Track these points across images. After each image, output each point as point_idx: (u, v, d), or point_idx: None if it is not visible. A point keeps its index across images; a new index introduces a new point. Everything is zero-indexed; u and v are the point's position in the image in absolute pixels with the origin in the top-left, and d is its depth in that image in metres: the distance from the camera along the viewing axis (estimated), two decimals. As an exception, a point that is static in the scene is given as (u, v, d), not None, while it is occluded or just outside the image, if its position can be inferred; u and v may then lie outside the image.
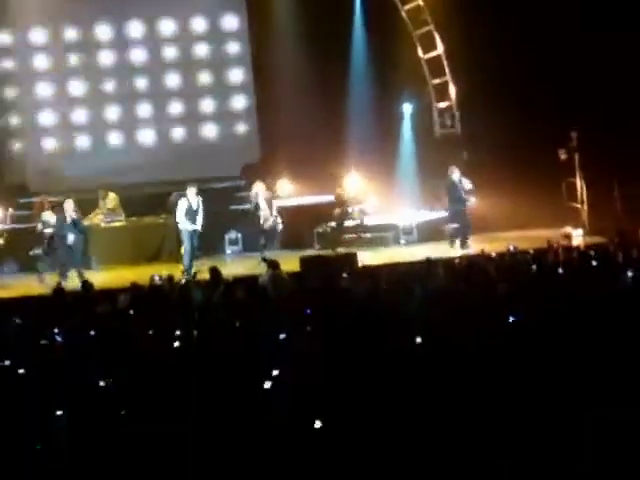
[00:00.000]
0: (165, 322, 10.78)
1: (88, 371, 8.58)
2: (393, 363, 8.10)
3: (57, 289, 14.01)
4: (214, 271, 14.31)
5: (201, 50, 23.15)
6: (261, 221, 19.18)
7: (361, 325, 9.57)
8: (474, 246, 18.64)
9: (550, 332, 8.60)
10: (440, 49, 21.29)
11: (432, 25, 21.18)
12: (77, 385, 8.19)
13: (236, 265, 19.33)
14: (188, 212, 18.34)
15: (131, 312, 12.15)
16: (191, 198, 18.39)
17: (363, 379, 7.73)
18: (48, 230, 18.93)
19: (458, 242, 19.09)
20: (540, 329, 8.78)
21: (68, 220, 18.53)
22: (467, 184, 19.09)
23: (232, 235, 21.13)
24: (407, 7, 21.37)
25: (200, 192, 18.76)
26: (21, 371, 8.88)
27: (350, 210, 20.18)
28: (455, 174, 19.12)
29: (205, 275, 15.11)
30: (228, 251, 21.10)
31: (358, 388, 7.53)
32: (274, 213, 19.25)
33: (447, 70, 21.39)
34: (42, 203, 19.41)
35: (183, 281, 15.54)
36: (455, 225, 19.45)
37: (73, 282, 17.53)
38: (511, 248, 15.27)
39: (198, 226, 18.37)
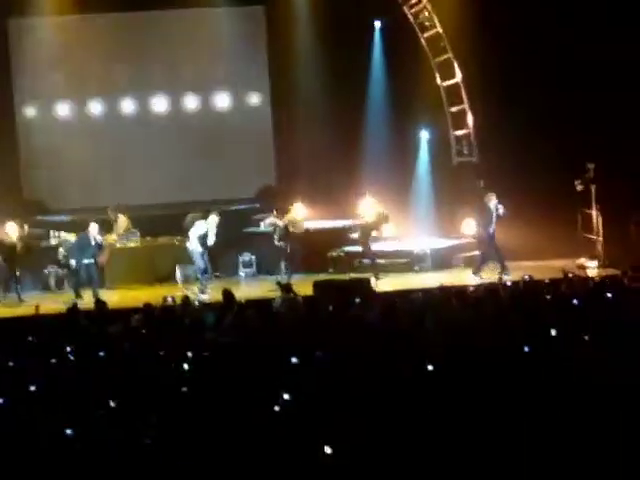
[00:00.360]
0: (176, 343, 10.77)
1: (98, 391, 8.57)
2: (404, 390, 8.08)
3: (71, 308, 14.03)
4: (227, 293, 14.31)
5: (219, 72, 23.18)
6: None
7: (372, 351, 9.55)
8: (488, 274, 18.56)
9: (563, 362, 8.56)
10: (458, 77, 21.29)
11: (451, 53, 21.19)
12: (87, 404, 8.19)
13: (249, 288, 19.33)
14: (203, 236, 18.49)
15: (143, 332, 12.15)
16: (210, 224, 18.53)
17: (373, 405, 7.70)
18: (64, 249, 19.03)
19: (489, 267, 18.87)
20: (552, 359, 8.74)
21: (92, 242, 18.67)
22: (501, 209, 18.91)
23: (246, 257, 21.12)
24: (426, 35, 21.39)
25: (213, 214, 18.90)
26: (32, 388, 8.88)
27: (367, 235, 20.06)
28: (492, 201, 18.95)
29: (218, 297, 15.11)
30: (241, 273, 21.09)
31: (368, 414, 7.50)
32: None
33: (465, 98, 21.38)
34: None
35: (196, 302, 15.52)
36: (485, 251, 19.19)
37: (88, 301, 17.60)
38: (526, 277, 15.20)
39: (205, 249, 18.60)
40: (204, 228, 18.62)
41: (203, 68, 23.13)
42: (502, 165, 20.56)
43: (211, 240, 18.56)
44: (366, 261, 20.01)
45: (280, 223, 19.49)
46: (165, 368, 9.46)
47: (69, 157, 22.86)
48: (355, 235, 20.60)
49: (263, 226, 20.04)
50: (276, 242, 19.46)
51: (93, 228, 18.83)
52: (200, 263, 18.67)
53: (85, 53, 22.57)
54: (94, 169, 23.00)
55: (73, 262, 19.00)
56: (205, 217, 18.87)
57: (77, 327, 12.59)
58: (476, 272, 18.78)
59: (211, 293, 17.93)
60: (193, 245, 18.64)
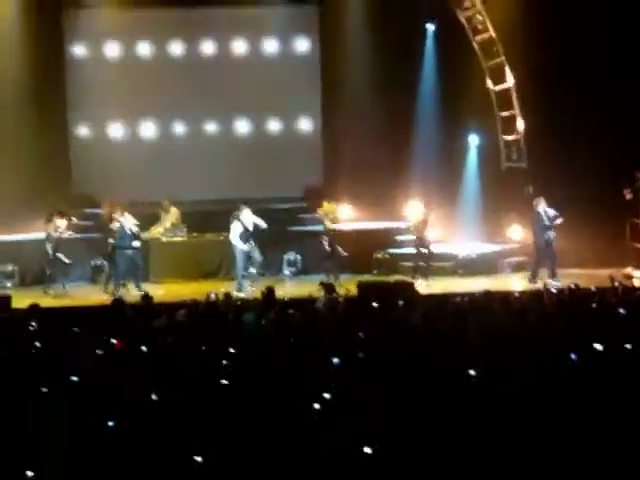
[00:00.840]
0: (219, 340, 10.80)
1: (141, 383, 8.61)
2: (444, 394, 8.04)
3: (116, 300, 14.12)
4: (269, 292, 14.34)
5: (272, 72, 23.21)
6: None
7: (414, 354, 9.51)
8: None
9: (610, 371, 8.49)
10: (510, 81, 21.18)
11: (503, 57, 21.08)
12: (130, 397, 8.23)
13: (293, 286, 19.37)
14: (244, 233, 18.57)
15: (187, 327, 12.20)
16: (246, 219, 18.58)
17: (413, 407, 7.68)
18: (111, 240, 19.18)
19: (543, 274, 18.74)
20: (599, 368, 8.67)
21: (128, 233, 18.76)
22: (552, 212, 18.79)
23: (291, 256, 21.15)
24: (479, 38, 21.31)
25: (261, 212, 18.93)
26: (74, 379, 8.94)
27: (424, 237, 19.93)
28: (540, 205, 18.85)
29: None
30: (286, 272, 21.12)
31: (408, 416, 7.48)
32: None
33: (516, 103, 21.26)
34: (110, 211, 19.58)
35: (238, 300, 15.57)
36: (538, 257, 19.07)
37: (132, 294, 17.75)
38: (572, 285, 15.08)
39: (247, 246, 18.67)
40: (240, 226, 18.73)
41: (255, 67, 23.14)
42: (551, 171, 20.44)
43: (260, 225, 18.62)
44: (422, 264, 19.83)
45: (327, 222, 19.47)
46: (206, 363, 9.48)
47: (119, 151, 23.03)
48: (401, 237, 20.53)
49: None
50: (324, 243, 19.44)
51: (127, 218, 18.92)
52: (240, 263, 18.78)
53: (137, 47, 22.78)
54: (144, 164, 23.13)
55: (115, 253, 19.13)
56: (237, 216, 18.93)
57: (122, 319, 12.66)
58: (531, 279, 18.65)
59: (254, 291, 17.99)
60: (237, 244, 18.77)
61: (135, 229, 18.98)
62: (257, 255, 19.05)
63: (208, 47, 23.21)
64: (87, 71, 22.97)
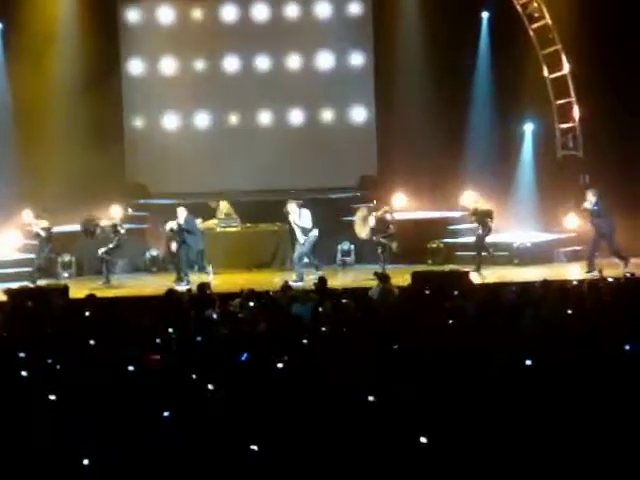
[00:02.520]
0: (272, 330, 10.83)
1: (197, 374, 8.65)
2: (500, 384, 7.99)
3: (170, 290, 14.20)
4: (322, 281, 14.37)
5: (325, 62, 23.17)
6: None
7: (469, 343, 9.46)
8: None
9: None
10: (566, 69, 20.96)
11: (559, 45, 20.87)
12: (186, 387, 8.27)
13: (347, 276, 19.36)
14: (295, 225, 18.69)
15: (240, 317, 12.24)
16: (292, 214, 18.60)
17: (469, 398, 7.64)
18: (170, 232, 19.30)
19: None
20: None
21: (182, 225, 18.85)
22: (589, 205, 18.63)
23: (345, 246, 21.11)
24: (535, 26, 21.10)
25: (315, 202, 18.93)
26: (131, 368, 9.00)
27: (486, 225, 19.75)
28: (590, 197, 18.65)
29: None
30: (340, 262, 21.09)
31: (463, 406, 7.45)
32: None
33: (572, 91, 21.04)
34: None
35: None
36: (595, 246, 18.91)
37: (188, 283, 17.87)
38: (628, 274, 14.91)
39: (303, 238, 18.63)
40: (291, 219, 18.84)
41: (309, 57, 23.10)
42: (607, 159, 20.23)
43: (303, 226, 18.66)
44: (474, 253, 19.70)
45: (372, 218, 19.35)
46: (259, 354, 9.49)
47: (171, 141, 23.15)
48: (455, 227, 20.41)
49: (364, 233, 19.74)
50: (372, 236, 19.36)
51: (181, 211, 19.01)
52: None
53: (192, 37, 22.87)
54: (195, 154, 23.22)
55: (173, 245, 19.25)
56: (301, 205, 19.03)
57: (177, 310, 12.72)
58: (588, 269, 18.45)
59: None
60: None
61: (187, 220, 18.99)
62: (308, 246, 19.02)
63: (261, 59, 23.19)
64: (142, 58, 23.09)
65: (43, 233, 18.96)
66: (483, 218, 19.41)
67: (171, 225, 19.09)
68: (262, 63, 23.17)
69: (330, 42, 23.11)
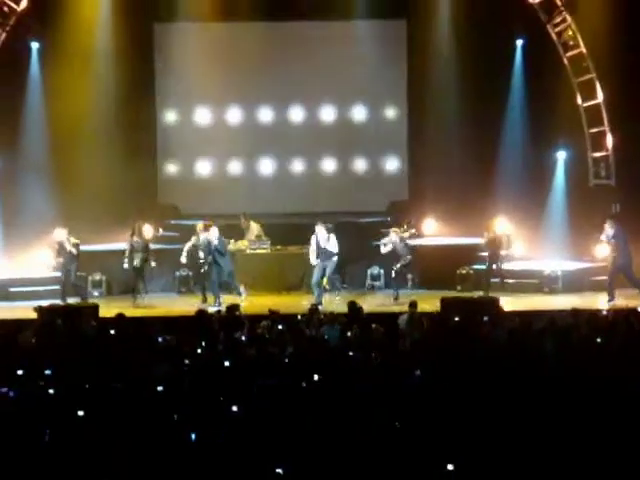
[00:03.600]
0: (299, 353, 10.83)
1: (223, 394, 8.66)
2: (527, 413, 7.94)
3: (200, 310, 14.23)
4: (352, 305, 14.36)
5: (358, 85, 23.20)
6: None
7: (498, 371, 9.42)
8: (621, 300, 18.16)
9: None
10: (600, 97, 20.90)
11: (594, 73, 20.83)
12: (211, 407, 8.28)
13: (376, 300, 19.34)
14: (317, 247, 18.63)
15: (267, 339, 12.25)
16: (320, 235, 18.62)
17: (495, 424, 7.61)
18: (199, 252, 19.36)
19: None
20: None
21: (213, 245, 18.88)
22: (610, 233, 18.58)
23: (374, 270, 21.11)
24: (569, 54, 21.07)
25: (345, 226, 18.95)
26: (160, 388, 9.02)
27: (496, 254, 19.76)
28: (608, 228, 18.59)
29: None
30: (369, 286, 21.09)
31: (489, 431, 7.42)
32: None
33: (605, 119, 20.98)
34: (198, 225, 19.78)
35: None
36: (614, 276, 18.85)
37: (219, 305, 17.92)
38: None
39: (317, 261, 18.80)
40: (314, 239, 18.84)
41: (341, 80, 23.16)
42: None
43: (326, 248, 18.67)
44: (495, 280, 19.73)
45: (396, 239, 19.32)
46: (286, 376, 9.49)
47: (204, 163, 23.26)
48: (485, 253, 20.36)
49: (383, 249, 19.71)
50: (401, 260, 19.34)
51: (213, 230, 19.05)
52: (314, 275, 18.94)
53: (225, 61, 22.89)
54: (227, 176, 23.35)
55: (202, 264, 19.32)
56: (331, 230, 19.05)
57: (206, 330, 12.75)
58: (609, 298, 18.38)
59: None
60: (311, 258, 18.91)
61: (217, 242, 19.02)
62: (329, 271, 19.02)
63: (296, 58, 23.22)
64: (175, 80, 23.24)
65: (74, 250, 19.05)
66: (493, 248, 19.36)
67: (190, 244, 19.26)
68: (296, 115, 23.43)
69: (365, 65, 23.11)
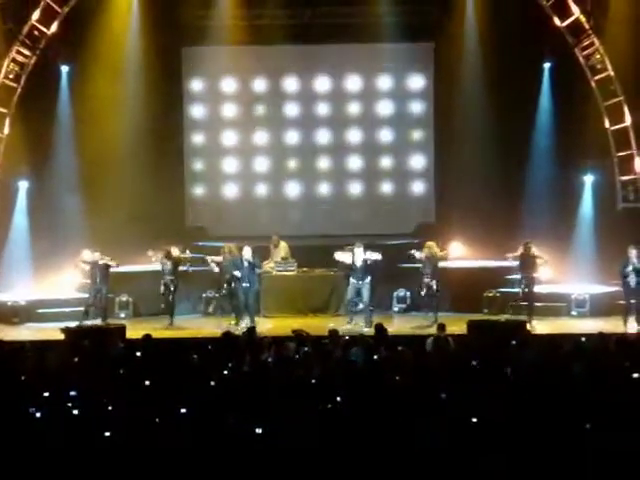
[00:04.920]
0: (326, 374, 10.80)
1: (247, 416, 8.65)
2: (554, 439, 7.87)
3: (227, 332, 14.24)
4: (379, 327, 14.33)
5: (385, 107, 23.28)
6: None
7: (525, 394, 9.37)
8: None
9: None
10: (628, 121, 20.85)
11: (622, 96, 20.78)
12: (235, 429, 8.26)
13: (402, 323, 19.31)
14: (352, 267, 18.63)
15: (295, 360, 12.23)
16: (356, 254, 18.59)
17: (522, 446, 7.57)
18: (225, 274, 19.41)
19: (631, 319, 18.45)
20: None
21: (246, 265, 18.92)
22: (637, 263, 18.45)
23: (401, 293, 21.11)
24: (597, 77, 21.05)
25: (372, 248, 18.93)
26: (183, 411, 9.01)
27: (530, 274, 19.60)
28: (632, 252, 18.51)
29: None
30: (395, 309, 21.08)
31: (515, 454, 7.38)
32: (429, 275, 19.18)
33: (633, 143, 20.92)
34: (226, 247, 19.81)
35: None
36: (628, 301, 18.79)
37: (244, 326, 17.95)
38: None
39: (358, 281, 18.66)
40: (349, 258, 18.83)
41: (369, 103, 23.22)
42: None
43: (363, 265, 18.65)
44: (525, 303, 19.60)
45: (422, 256, 19.29)
46: (313, 397, 9.47)
47: (231, 185, 23.33)
48: (514, 276, 20.24)
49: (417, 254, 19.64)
50: (425, 279, 19.28)
51: (247, 250, 19.09)
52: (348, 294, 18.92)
53: (252, 84, 23.04)
54: (254, 199, 23.42)
55: (231, 285, 19.36)
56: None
57: (232, 352, 12.75)
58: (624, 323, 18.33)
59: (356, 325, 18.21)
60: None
61: (252, 261, 19.06)
62: (365, 292, 18.96)
63: (322, 82, 23.31)
64: (203, 104, 23.37)
65: (113, 265, 19.14)
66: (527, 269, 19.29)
67: (217, 260, 19.35)
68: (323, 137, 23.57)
69: (392, 88, 23.21)
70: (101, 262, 19.10)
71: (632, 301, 18.56)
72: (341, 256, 19.09)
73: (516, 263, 19.59)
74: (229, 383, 10.62)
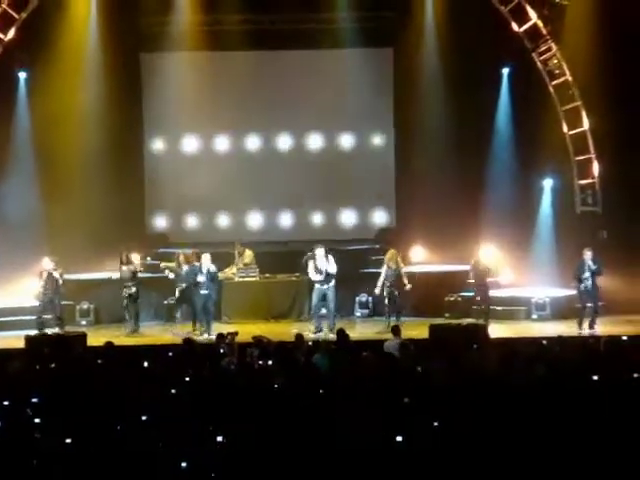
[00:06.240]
0: (290, 380, 10.79)
1: (210, 425, 8.62)
2: (521, 444, 7.91)
3: (187, 339, 14.20)
4: (341, 333, 14.33)
5: (344, 112, 23.24)
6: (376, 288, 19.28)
7: (488, 399, 9.41)
8: (605, 328, 18.24)
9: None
10: (586, 125, 21.02)
11: (579, 101, 20.95)
12: (198, 438, 8.24)
13: (364, 328, 19.33)
14: (315, 269, 18.58)
15: (257, 367, 12.21)
16: (319, 258, 18.59)
17: (486, 450, 7.61)
18: (181, 281, 19.36)
19: (585, 322, 18.61)
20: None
21: (204, 272, 18.85)
22: (593, 266, 18.62)
23: (362, 298, 21.13)
24: (555, 82, 21.20)
25: (333, 253, 18.93)
26: (144, 418, 8.98)
27: (482, 281, 19.76)
28: (587, 255, 18.68)
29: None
30: (358, 314, 21.11)
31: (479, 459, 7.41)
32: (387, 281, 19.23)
33: (591, 147, 21.09)
34: (181, 255, 19.76)
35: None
36: (583, 304, 18.97)
37: (201, 333, 17.92)
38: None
39: (322, 286, 18.62)
40: (312, 264, 18.80)
41: (329, 108, 23.19)
42: (626, 216, 20.24)
43: (326, 269, 18.61)
44: (476, 307, 19.71)
45: (392, 265, 19.35)
46: (278, 402, 9.47)
47: (192, 192, 23.19)
48: (471, 280, 20.35)
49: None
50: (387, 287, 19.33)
51: (206, 257, 19.02)
52: (314, 299, 18.87)
53: (213, 89, 22.94)
54: (215, 204, 23.36)
55: (189, 292, 19.29)
56: (312, 257, 19.01)
57: (192, 359, 12.71)
58: (591, 325, 18.48)
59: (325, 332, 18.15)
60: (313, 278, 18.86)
61: (212, 269, 19.01)
62: (331, 295, 18.93)
63: (283, 88, 23.26)
64: (163, 109, 23.28)
65: (60, 281, 18.99)
66: (480, 276, 19.50)
67: (170, 267, 19.30)
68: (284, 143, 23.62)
69: (352, 91, 23.16)
70: (53, 272, 18.94)
71: (588, 304, 18.70)
72: (311, 269, 18.95)
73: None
74: (190, 390, 10.59)
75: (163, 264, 19.97)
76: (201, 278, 18.80)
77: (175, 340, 16.08)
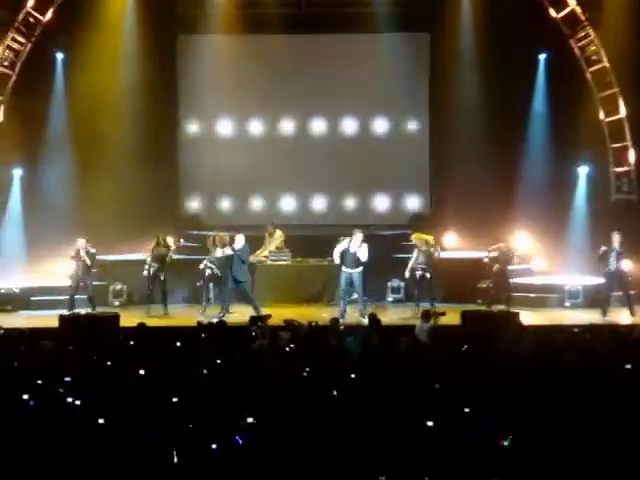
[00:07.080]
0: (321, 364, 10.79)
1: (240, 405, 8.64)
2: (546, 430, 7.88)
3: (219, 321, 14.23)
4: (373, 318, 14.32)
5: (380, 97, 23.20)
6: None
7: (519, 386, 9.37)
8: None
9: None
10: (623, 113, 20.86)
11: (616, 88, 20.78)
12: (227, 419, 8.26)
13: (395, 313, 19.31)
14: (343, 254, 18.51)
15: (288, 350, 12.23)
16: (353, 242, 18.51)
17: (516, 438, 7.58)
18: (210, 265, 19.37)
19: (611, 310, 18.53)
20: None
21: (237, 251, 18.85)
22: (619, 248, 18.61)
23: (394, 283, 21.10)
24: (592, 69, 21.04)
25: (367, 239, 18.85)
26: (175, 399, 9.01)
27: (515, 268, 19.69)
28: (614, 237, 18.64)
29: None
30: (390, 299, 21.09)
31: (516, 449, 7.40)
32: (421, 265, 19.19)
33: (628, 134, 20.93)
34: (214, 237, 19.73)
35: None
36: (608, 291, 18.90)
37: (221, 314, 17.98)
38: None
39: (349, 270, 18.52)
40: (343, 246, 18.70)
41: (364, 93, 23.16)
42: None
43: (356, 253, 18.53)
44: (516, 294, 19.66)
45: (422, 247, 19.31)
46: (307, 387, 9.47)
47: (227, 175, 23.26)
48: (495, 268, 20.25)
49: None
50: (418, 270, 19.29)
51: (239, 240, 19.02)
52: (341, 283, 18.83)
53: (249, 72, 22.94)
54: (249, 187, 23.40)
55: (221, 275, 19.32)
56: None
57: (224, 340, 12.74)
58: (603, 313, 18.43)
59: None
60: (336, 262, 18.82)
61: (241, 251, 19.00)
62: (357, 281, 18.84)
63: (318, 72, 23.24)
64: (199, 92, 23.31)
65: (88, 260, 19.08)
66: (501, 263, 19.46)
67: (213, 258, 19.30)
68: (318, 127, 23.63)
69: (389, 76, 23.10)
70: (86, 253, 19.04)
71: (614, 293, 18.64)
72: (336, 252, 18.87)
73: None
74: (221, 372, 10.62)
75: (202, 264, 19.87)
76: (233, 263, 18.82)
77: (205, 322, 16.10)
